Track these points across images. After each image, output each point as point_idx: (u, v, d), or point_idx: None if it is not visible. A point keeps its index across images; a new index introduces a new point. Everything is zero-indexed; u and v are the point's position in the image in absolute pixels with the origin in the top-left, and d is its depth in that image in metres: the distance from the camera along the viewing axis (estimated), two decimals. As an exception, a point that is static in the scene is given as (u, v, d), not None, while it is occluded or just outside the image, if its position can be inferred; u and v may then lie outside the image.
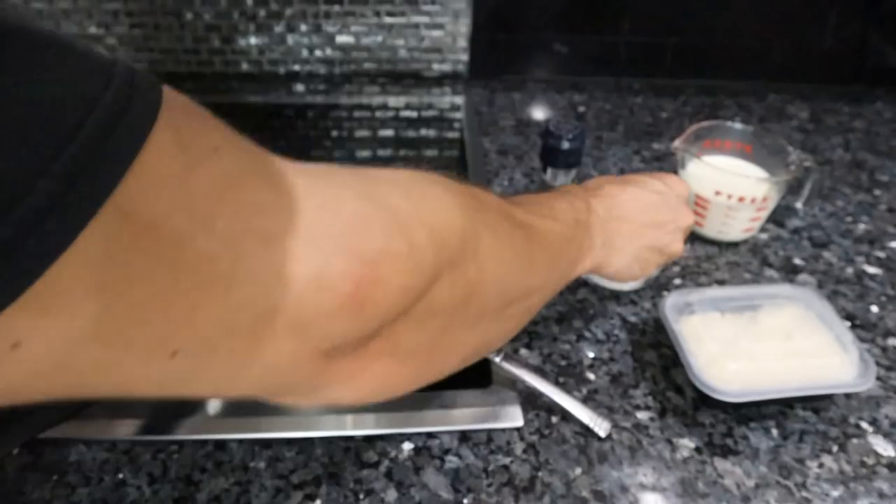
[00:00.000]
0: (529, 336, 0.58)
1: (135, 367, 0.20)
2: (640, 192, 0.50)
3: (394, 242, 0.26)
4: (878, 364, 0.56)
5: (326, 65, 1.01)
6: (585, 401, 0.53)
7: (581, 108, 0.97)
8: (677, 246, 0.53)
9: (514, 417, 0.50)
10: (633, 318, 0.61)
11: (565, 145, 0.61)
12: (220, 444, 0.48)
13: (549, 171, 0.63)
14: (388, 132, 0.92)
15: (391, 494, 0.45)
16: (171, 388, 0.22)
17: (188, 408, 0.50)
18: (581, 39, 1.00)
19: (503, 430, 0.50)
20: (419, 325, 0.30)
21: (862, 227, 0.74)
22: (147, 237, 0.18)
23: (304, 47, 0.99)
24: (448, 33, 0.98)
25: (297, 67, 1.00)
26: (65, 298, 0.17)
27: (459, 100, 0.99)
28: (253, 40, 0.98)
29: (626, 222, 0.49)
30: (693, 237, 0.71)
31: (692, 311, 0.55)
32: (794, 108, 1.00)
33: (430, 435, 0.49)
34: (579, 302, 0.62)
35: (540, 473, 0.47)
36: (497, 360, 0.51)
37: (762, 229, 0.73)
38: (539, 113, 0.96)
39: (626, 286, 0.62)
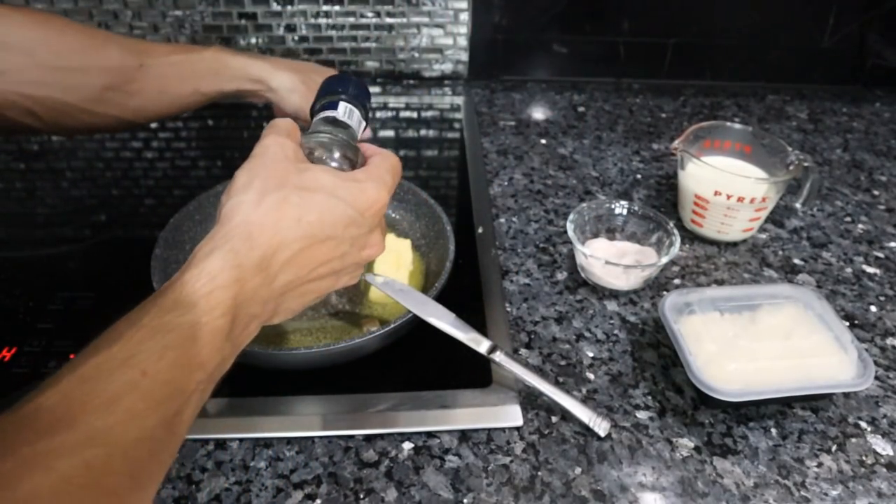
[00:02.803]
0: (529, 336, 0.58)
1: None
2: (304, 213, 0.39)
3: None
4: (876, 364, 0.57)
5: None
6: (585, 400, 0.53)
7: (581, 109, 0.98)
8: (353, 275, 0.44)
9: (513, 417, 0.51)
10: (632, 318, 0.61)
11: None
12: (221, 444, 0.48)
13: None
14: (388, 132, 0.92)
15: (391, 494, 0.46)
16: None
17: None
18: (581, 40, 1.01)
19: (503, 430, 0.50)
20: None
21: (861, 227, 0.75)
22: None
23: (305, 48, 0.99)
24: (448, 33, 0.99)
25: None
26: None
27: (459, 100, 0.99)
28: (253, 40, 0.98)
29: (294, 279, 0.39)
30: (693, 237, 0.71)
31: (691, 310, 0.55)
32: (794, 108, 1.00)
33: (430, 434, 0.49)
34: (579, 302, 0.62)
35: (540, 473, 0.47)
36: (497, 359, 0.51)
37: (761, 229, 0.73)
38: (539, 113, 0.96)
39: (626, 285, 0.62)
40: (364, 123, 0.49)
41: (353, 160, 0.45)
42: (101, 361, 0.29)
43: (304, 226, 0.38)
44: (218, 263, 0.35)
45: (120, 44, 0.61)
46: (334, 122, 0.46)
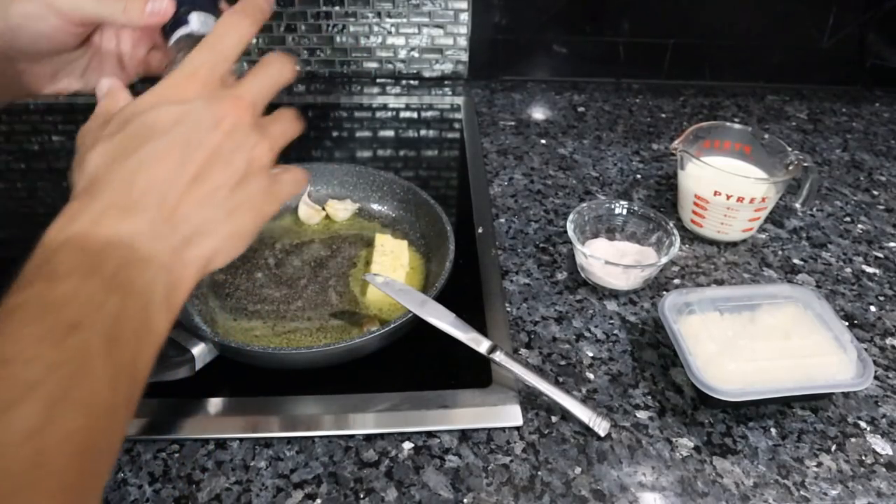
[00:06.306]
0: (529, 336, 0.58)
1: None
2: (141, 132, 0.35)
3: None
4: (876, 363, 0.57)
5: (327, 65, 1.01)
6: (585, 400, 0.53)
7: (581, 109, 0.98)
8: (279, 182, 0.38)
9: (513, 417, 0.51)
10: (632, 318, 0.61)
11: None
12: (221, 444, 0.48)
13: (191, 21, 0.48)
14: (388, 132, 0.92)
15: (391, 494, 0.46)
16: None
17: (189, 407, 0.50)
18: (581, 40, 1.01)
19: (503, 430, 0.50)
20: None
21: (860, 227, 0.75)
22: None
23: (305, 48, 0.99)
24: (448, 33, 0.99)
25: (297, 68, 1.01)
26: None
27: (459, 100, 0.99)
28: (253, 40, 0.98)
29: (167, 189, 0.34)
30: (692, 237, 0.71)
31: (691, 310, 0.55)
32: (793, 108, 1.00)
33: (430, 434, 0.50)
34: (579, 302, 0.62)
35: (539, 473, 0.47)
36: (497, 359, 0.51)
37: (761, 229, 0.73)
38: (539, 113, 0.96)
39: (626, 285, 0.63)
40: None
41: None
42: None
43: (135, 148, 0.35)
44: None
45: None
46: (189, 38, 0.40)
